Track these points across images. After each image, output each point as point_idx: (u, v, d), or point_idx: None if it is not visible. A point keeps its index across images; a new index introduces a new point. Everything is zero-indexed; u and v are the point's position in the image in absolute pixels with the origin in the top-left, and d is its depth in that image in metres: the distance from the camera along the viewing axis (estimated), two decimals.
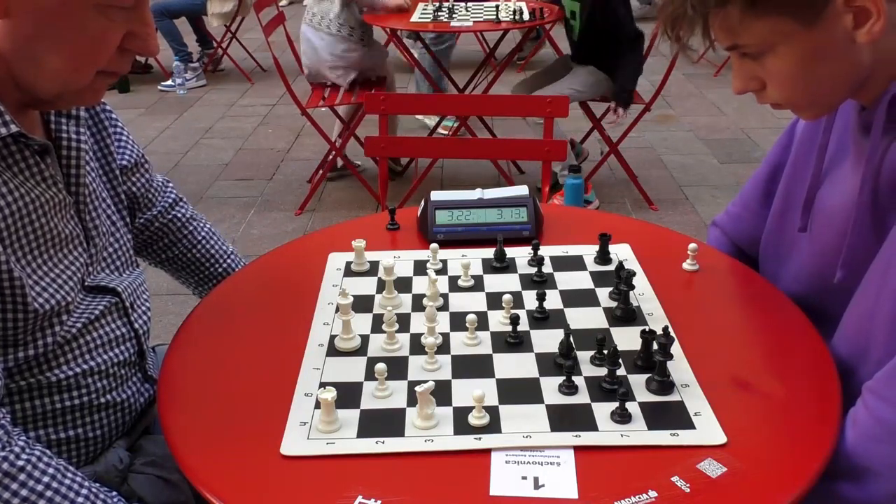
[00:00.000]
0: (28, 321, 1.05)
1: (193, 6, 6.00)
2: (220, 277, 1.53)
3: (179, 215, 1.51)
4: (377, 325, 1.21)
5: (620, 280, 1.23)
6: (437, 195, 1.50)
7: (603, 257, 1.38)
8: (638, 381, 1.07)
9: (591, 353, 1.12)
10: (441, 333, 1.18)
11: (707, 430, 0.98)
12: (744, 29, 1.01)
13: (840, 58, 1.02)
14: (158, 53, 1.04)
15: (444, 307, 1.26)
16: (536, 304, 1.23)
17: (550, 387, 1.07)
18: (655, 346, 1.05)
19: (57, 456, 1.13)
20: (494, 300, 1.27)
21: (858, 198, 1.09)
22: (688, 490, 0.90)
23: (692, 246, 1.35)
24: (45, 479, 0.96)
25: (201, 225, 1.54)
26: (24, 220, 1.04)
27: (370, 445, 0.97)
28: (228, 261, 1.55)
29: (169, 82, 5.96)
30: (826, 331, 1.17)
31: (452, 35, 4.74)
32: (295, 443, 0.98)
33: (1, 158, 1.02)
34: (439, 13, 4.12)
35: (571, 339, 1.11)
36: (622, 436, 0.98)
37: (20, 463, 0.94)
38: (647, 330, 1.10)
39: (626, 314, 1.21)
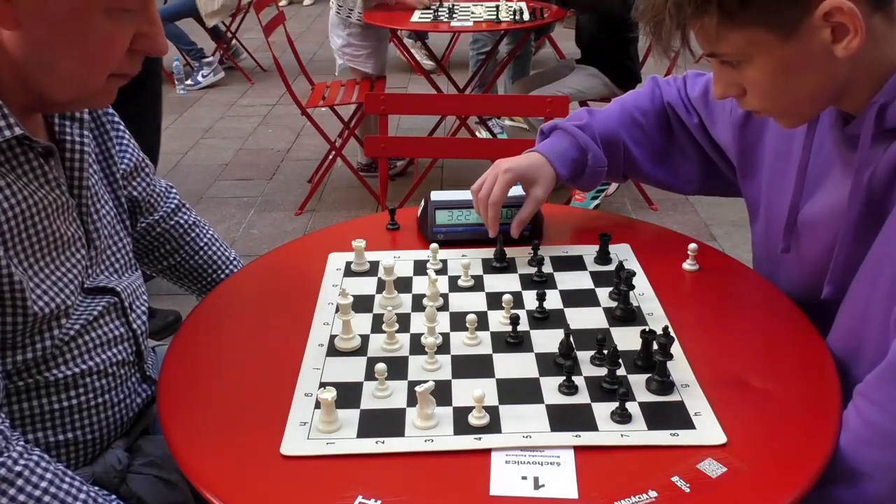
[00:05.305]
0: (27, 324, 1.05)
1: (191, 9, 5.99)
2: None
3: (182, 221, 1.49)
4: (377, 325, 1.21)
5: (620, 280, 1.23)
6: (437, 195, 1.50)
7: (603, 257, 1.38)
8: (638, 381, 1.07)
9: (591, 353, 1.12)
10: (441, 333, 1.17)
11: (707, 430, 0.98)
12: (721, 39, 1.02)
13: (817, 69, 1.02)
14: (167, 53, 1.06)
15: (444, 307, 1.26)
16: (536, 304, 1.23)
17: (550, 387, 1.06)
18: (655, 346, 1.05)
19: (56, 458, 1.13)
20: (494, 300, 1.27)
21: (847, 212, 1.08)
22: (688, 490, 0.90)
23: (692, 246, 1.35)
24: (43, 483, 0.95)
25: (203, 231, 1.53)
26: (27, 222, 1.04)
27: (370, 445, 0.97)
28: (231, 267, 1.53)
29: (189, 82, 5.94)
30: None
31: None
32: (295, 443, 0.98)
33: (5, 160, 1.03)
34: (439, 13, 4.12)
35: (571, 339, 1.11)
36: (622, 436, 0.98)
37: (18, 468, 0.94)
38: (647, 330, 1.10)
39: (626, 314, 1.21)
